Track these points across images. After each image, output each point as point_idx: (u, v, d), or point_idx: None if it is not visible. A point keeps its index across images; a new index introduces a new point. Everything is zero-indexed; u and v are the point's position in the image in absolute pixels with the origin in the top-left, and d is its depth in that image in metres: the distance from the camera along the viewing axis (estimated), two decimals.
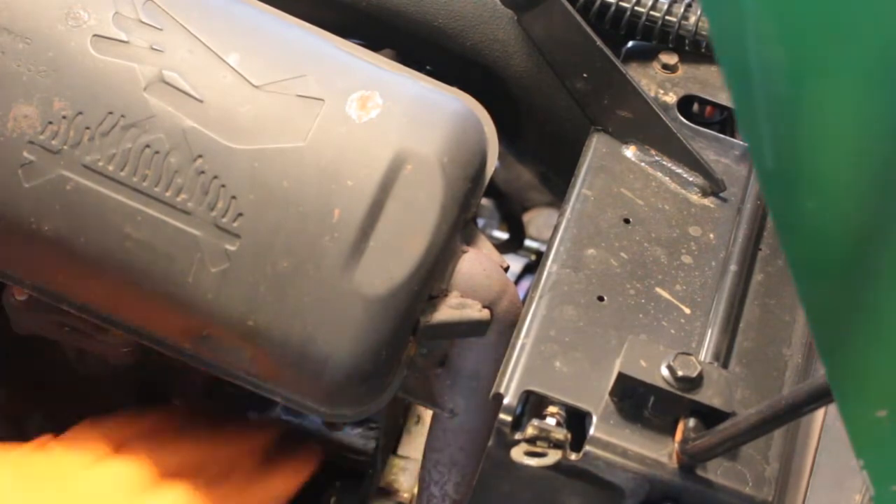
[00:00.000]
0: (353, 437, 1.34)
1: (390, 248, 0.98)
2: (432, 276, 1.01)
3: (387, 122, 1.01)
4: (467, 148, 1.04)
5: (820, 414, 1.04)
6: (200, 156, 0.98)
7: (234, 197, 0.97)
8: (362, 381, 1.00)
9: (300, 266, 0.97)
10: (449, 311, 1.03)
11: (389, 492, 1.38)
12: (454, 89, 1.11)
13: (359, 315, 0.98)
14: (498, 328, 1.06)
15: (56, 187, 0.97)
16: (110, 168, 0.97)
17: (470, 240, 1.08)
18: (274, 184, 0.97)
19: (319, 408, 1.02)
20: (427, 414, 1.39)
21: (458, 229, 1.04)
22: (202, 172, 0.97)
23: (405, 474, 1.39)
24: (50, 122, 0.98)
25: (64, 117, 0.98)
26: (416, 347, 1.04)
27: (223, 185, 0.97)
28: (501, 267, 1.08)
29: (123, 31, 1.00)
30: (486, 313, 1.04)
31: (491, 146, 1.09)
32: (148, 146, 0.98)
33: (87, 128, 0.98)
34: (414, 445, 1.41)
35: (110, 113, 0.98)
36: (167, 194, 0.97)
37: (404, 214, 0.99)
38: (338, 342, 0.98)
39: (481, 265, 1.06)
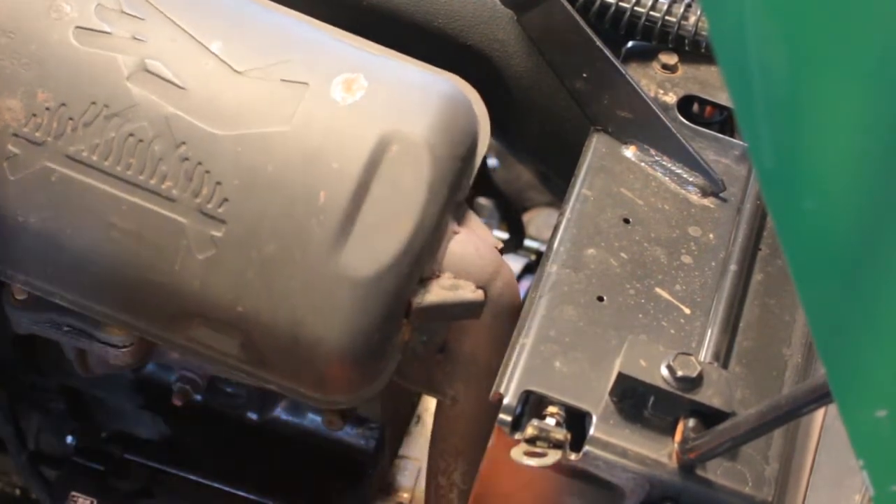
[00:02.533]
0: (353, 437, 1.34)
1: (377, 229, 0.98)
2: (422, 257, 1.01)
3: (372, 103, 1.01)
4: (456, 128, 1.04)
5: (820, 414, 1.04)
6: (184, 142, 0.98)
7: (218, 183, 0.97)
8: (354, 364, 0.99)
9: (287, 250, 0.97)
10: (441, 292, 1.03)
11: (389, 492, 1.38)
12: (443, 71, 1.10)
13: (347, 297, 0.97)
14: (493, 309, 1.06)
15: (41, 179, 0.98)
16: (94, 158, 0.98)
17: (462, 221, 1.07)
18: (259, 168, 0.97)
19: (313, 394, 1.02)
20: (427, 414, 1.39)
21: (448, 210, 1.04)
22: (186, 159, 0.97)
23: (405, 474, 1.39)
24: (34, 115, 0.98)
25: (47, 109, 0.98)
26: (411, 331, 1.04)
27: (207, 171, 0.97)
28: (495, 248, 1.08)
29: (106, 21, 1.01)
30: (479, 294, 1.04)
31: (482, 126, 1.08)
32: (131, 135, 0.98)
33: (71, 118, 0.98)
34: (414, 445, 1.41)
35: (93, 103, 0.98)
36: (152, 182, 0.97)
37: (391, 195, 0.99)
38: (327, 325, 0.98)
39: (473, 246, 1.06)
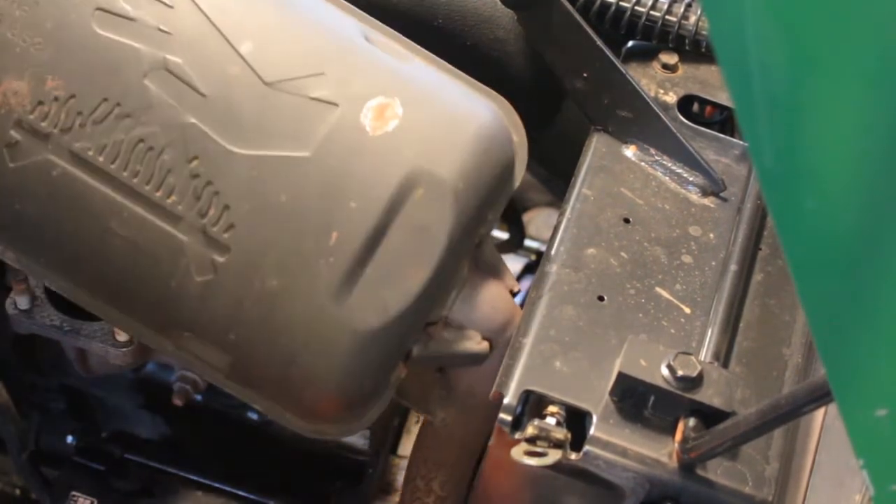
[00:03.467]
0: (353, 437, 1.34)
1: (388, 279, 0.92)
2: (431, 307, 0.96)
3: (404, 136, 0.93)
4: (488, 169, 0.97)
5: (820, 413, 1.04)
6: (196, 157, 0.92)
7: (227, 206, 0.91)
8: (345, 403, 0.96)
9: (290, 287, 0.91)
10: (445, 343, 0.99)
11: (389, 492, 1.38)
12: (488, 91, 1.04)
13: (346, 345, 0.92)
14: (500, 354, 1.01)
15: (42, 171, 0.92)
16: (100, 159, 0.92)
17: (482, 261, 1.02)
18: (271, 196, 0.91)
19: (299, 423, 0.98)
20: None
21: (465, 256, 0.98)
22: (196, 176, 0.91)
23: (405, 474, 1.39)
24: (41, 102, 0.92)
25: (56, 99, 0.92)
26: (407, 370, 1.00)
27: (217, 193, 0.91)
28: (511, 291, 1.03)
29: (131, 5, 0.93)
30: (484, 346, 1.01)
31: (519, 156, 1.02)
32: (142, 140, 0.92)
33: (80, 113, 0.92)
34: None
35: (105, 99, 0.92)
36: (157, 194, 0.92)
37: (407, 244, 0.92)
38: (321, 367, 0.93)
39: (487, 294, 1.02)
